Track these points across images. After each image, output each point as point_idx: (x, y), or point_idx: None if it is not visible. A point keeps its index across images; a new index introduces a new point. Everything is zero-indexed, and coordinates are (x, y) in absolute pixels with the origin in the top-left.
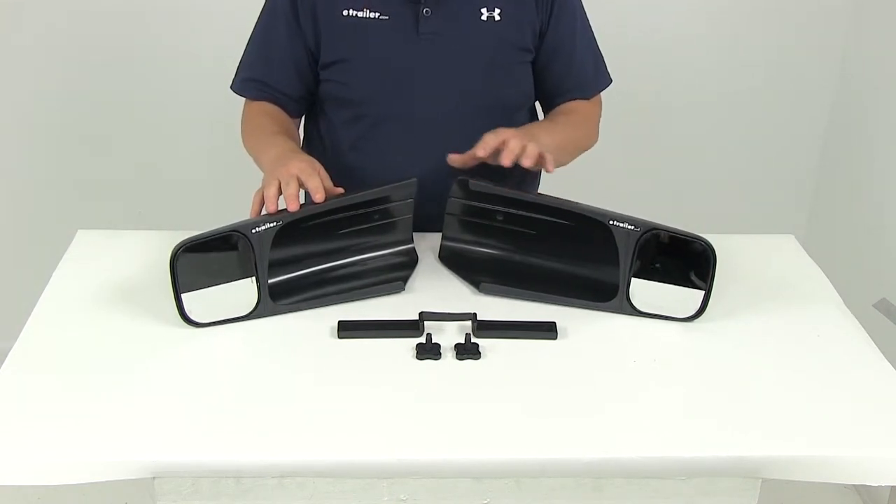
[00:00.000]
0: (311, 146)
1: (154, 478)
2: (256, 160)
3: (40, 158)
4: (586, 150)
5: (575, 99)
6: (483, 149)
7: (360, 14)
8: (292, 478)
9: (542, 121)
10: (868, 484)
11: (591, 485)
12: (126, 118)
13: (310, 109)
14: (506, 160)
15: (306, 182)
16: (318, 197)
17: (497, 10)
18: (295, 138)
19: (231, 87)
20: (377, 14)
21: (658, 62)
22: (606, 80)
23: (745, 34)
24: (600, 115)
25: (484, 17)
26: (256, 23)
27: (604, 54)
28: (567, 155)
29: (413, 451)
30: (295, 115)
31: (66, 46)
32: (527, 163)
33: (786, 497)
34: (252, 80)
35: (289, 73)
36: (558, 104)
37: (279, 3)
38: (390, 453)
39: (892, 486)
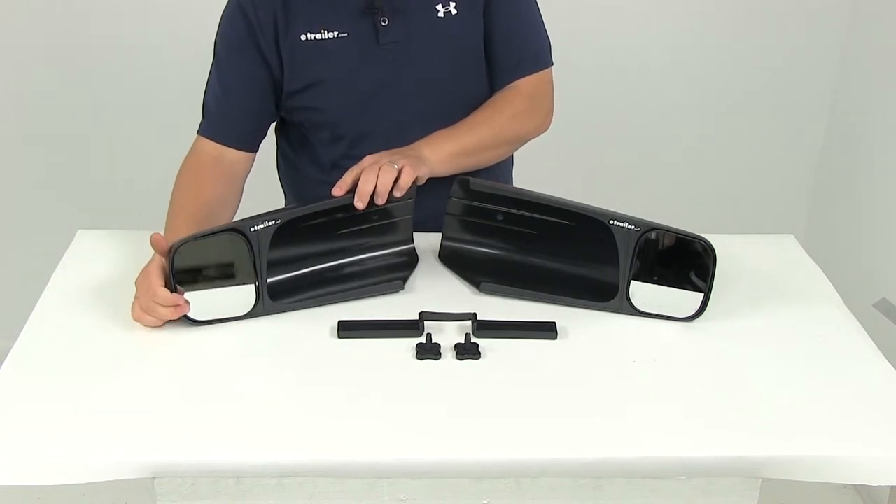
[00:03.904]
0: (289, 166)
1: (154, 478)
2: None
3: (40, 158)
4: (517, 141)
5: (512, 79)
6: (340, 188)
7: (317, 36)
8: (292, 478)
9: (437, 132)
10: (868, 484)
11: (591, 485)
12: (126, 118)
13: (283, 130)
14: (359, 204)
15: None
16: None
17: (452, 4)
18: (204, 212)
19: (198, 132)
20: (335, 33)
21: (658, 61)
22: (543, 62)
23: (744, 34)
24: (544, 99)
25: (441, 14)
26: (211, 67)
27: (604, 54)
28: (473, 157)
29: (413, 451)
30: (253, 150)
31: (65, 46)
32: (397, 194)
33: (786, 497)
34: (219, 123)
35: (253, 107)
36: (499, 87)
37: (236, 40)
38: (390, 453)
39: (892, 486)
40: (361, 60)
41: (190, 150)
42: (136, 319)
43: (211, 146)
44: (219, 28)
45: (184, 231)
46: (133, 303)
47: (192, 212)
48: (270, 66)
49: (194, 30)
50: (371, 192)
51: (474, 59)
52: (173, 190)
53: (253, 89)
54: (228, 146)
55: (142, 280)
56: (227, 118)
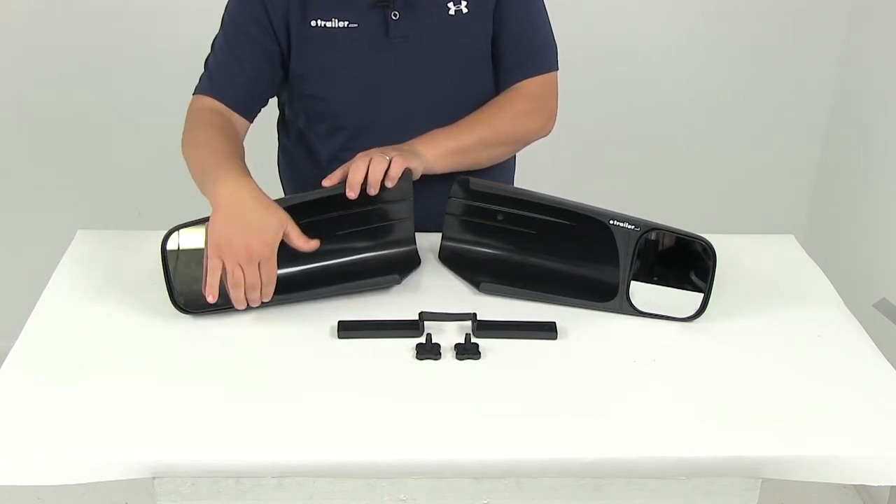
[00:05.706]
0: (287, 157)
1: (154, 478)
2: (201, 183)
3: (40, 158)
4: (517, 142)
5: (517, 80)
6: (330, 179)
7: (328, 24)
8: (292, 478)
9: (435, 130)
10: (868, 484)
11: (591, 485)
12: (126, 117)
13: (284, 123)
14: (350, 193)
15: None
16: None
17: (464, 3)
18: (240, 154)
19: (197, 91)
20: (346, 23)
21: (658, 62)
22: (549, 65)
23: (745, 34)
24: (547, 102)
25: (452, 12)
26: (217, 35)
27: (604, 54)
28: (470, 155)
29: (413, 451)
30: (250, 120)
31: (66, 46)
32: (388, 184)
33: (786, 497)
34: (220, 83)
35: (256, 73)
36: (503, 88)
37: (247, 12)
38: (390, 453)
39: (892, 486)
40: (369, 52)
41: (192, 110)
42: (217, 287)
43: (211, 102)
44: (228, 3)
45: (234, 171)
46: (220, 267)
47: (232, 151)
48: (280, 45)
49: (196, 29)
50: (361, 181)
51: (482, 59)
52: (192, 134)
53: (257, 58)
54: (228, 106)
55: (268, 246)
56: (229, 80)
